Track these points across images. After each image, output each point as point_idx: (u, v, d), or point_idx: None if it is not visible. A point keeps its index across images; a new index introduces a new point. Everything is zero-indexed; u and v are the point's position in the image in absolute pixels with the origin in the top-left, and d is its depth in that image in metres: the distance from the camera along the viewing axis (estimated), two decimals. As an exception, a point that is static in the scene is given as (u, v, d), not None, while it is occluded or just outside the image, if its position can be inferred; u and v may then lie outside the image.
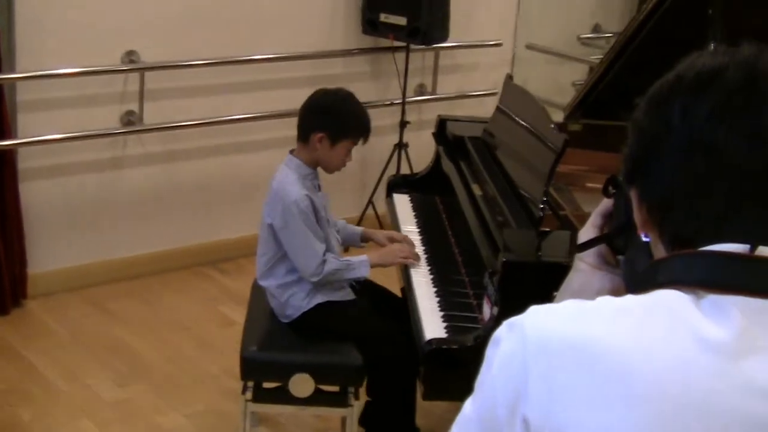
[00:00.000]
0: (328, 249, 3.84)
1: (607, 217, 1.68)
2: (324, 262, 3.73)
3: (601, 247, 1.67)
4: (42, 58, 5.13)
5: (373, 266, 3.85)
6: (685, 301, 1.23)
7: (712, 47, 3.49)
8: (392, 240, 4.05)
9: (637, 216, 1.40)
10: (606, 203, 1.68)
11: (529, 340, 1.25)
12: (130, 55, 5.43)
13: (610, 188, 1.63)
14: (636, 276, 1.46)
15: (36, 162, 5.29)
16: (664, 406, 1.16)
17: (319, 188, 3.90)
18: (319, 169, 3.93)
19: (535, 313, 1.28)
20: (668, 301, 1.24)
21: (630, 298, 1.27)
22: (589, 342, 1.21)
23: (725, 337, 1.19)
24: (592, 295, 1.59)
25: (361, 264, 3.83)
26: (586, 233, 1.68)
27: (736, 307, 1.21)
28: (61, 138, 5.27)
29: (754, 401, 1.16)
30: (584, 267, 1.67)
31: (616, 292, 1.54)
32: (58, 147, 5.33)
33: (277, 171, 3.90)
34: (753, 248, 1.24)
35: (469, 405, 1.32)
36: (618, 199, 1.63)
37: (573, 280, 1.68)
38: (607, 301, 1.28)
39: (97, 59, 5.31)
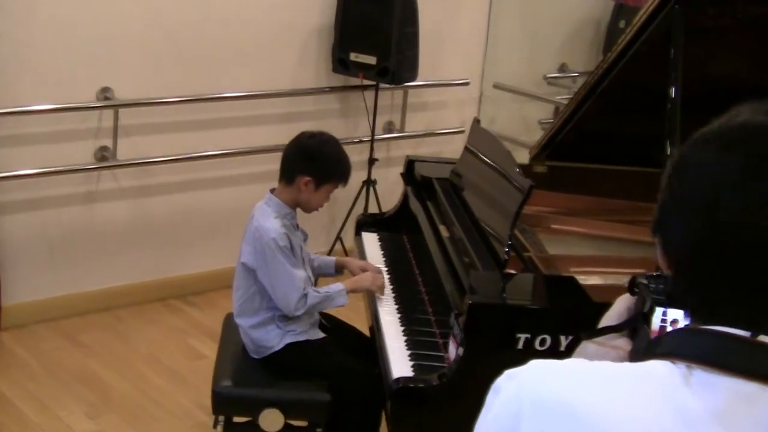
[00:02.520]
0: None
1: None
2: (305, 296, 3.83)
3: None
4: (18, 95, 5.21)
5: (348, 293, 3.96)
6: (675, 374, 1.27)
7: (673, 91, 3.61)
8: (365, 269, 4.16)
9: (660, 260, 1.41)
10: (630, 298, 1.70)
11: (525, 394, 1.30)
12: (105, 92, 5.52)
13: (635, 288, 1.66)
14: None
15: (11, 196, 5.36)
16: None
17: (296, 227, 4.00)
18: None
19: (534, 369, 1.33)
20: (658, 372, 1.28)
21: (625, 366, 1.32)
22: (580, 405, 1.26)
23: (704, 412, 1.23)
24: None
25: (338, 294, 3.93)
26: (608, 319, 1.70)
27: (723, 385, 1.24)
28: (36, 173, 5.35)
29: None
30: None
31: None
32: (33, 181, 5.39)
33: (255, 209, 3.98)
34: (755, 335, 1.26)
35: None
36: (639, 298, 1.67)
37: (590, 348, 1.68)
38: (603, 366, 1.33)
39: (72, 96, 5.39)
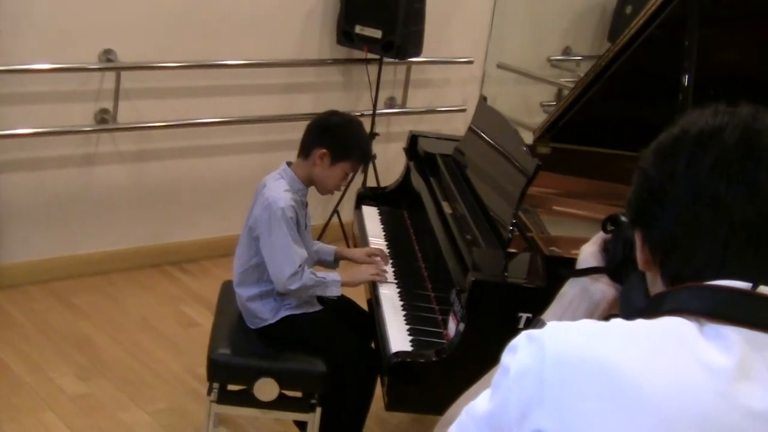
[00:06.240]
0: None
1: (605, 244, 1.81)
2: (299, 273, 3.75)
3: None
4: (20, 53, 5.16)
5: (343, 285, 3.89)
6: (690, 328, 1.35)
7: (686, 79, 3.59)
8: (370, 255, 4.10)
9: (640, 255, 1.52)
10: (596, 242, 1.83)
11: (548, 354, 1.35)
12: (107, 54, 5.47)
13: (609, 225, 1.77)
14: (635, 309, 1.55)
15: (9, 155, 5.32)
16: (668, 422, 1.27)
17: (306, 206, 3.93)
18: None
19: (555, 329, 1.39)
20: (675, 327, 1.36)
21: (640, 323, 1.38)
22: (604, 361, 1.31)
23: (726, 363, 1.31)
24: (589, 304, 1.77)
25: (333, 283, 3.85)
26: (586, 259, 1.81)
27: (734, 336, 1.33)
28: (35, 133, 5.31)
29: (749, 423, 1.29)
30: (585, 279, 1.80)
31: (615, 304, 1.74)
32: (32, 141, 5.36)
33: (267, 179, 3.90)
34: (755, 286, 1.37)
35: (484, 402, 1.42)
36: (616, 236, 1.75)
37: (573, 287, 1.81)
38: (620, 323, 1.38)
39: (74, 56, 5.35)
